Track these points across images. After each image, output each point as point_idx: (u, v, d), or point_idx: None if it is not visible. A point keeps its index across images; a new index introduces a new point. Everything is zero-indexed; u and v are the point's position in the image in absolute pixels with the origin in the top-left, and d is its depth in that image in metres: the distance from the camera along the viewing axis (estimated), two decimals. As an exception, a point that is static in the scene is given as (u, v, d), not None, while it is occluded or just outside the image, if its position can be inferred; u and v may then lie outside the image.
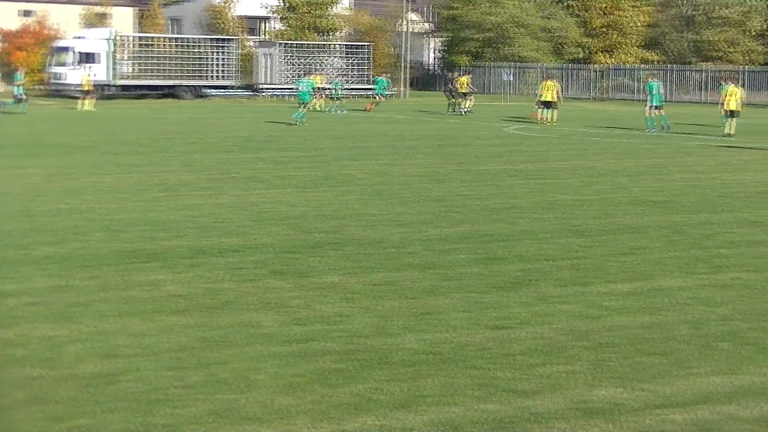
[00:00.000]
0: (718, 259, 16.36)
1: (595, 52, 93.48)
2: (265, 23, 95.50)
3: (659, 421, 9.15)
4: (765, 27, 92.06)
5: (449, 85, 65.66)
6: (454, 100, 62.67)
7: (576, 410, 9.38)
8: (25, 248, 16.48)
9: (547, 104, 52.50)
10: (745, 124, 52.33)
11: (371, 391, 9.78)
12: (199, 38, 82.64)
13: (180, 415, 9.14)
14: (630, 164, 31.62)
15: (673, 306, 13.30)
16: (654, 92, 48.26)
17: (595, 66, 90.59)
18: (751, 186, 26.03)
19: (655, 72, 71.24)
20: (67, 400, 9.47)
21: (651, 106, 48.12)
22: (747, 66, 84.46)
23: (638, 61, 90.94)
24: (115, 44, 75.52)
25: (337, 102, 62.13)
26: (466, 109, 60.55)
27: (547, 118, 51.98)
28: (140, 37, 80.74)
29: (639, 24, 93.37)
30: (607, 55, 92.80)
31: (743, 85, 75.55)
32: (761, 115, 62.96)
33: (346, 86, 72.57)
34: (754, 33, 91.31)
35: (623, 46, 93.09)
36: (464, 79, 62.21)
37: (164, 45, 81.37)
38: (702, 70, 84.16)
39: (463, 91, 61.42)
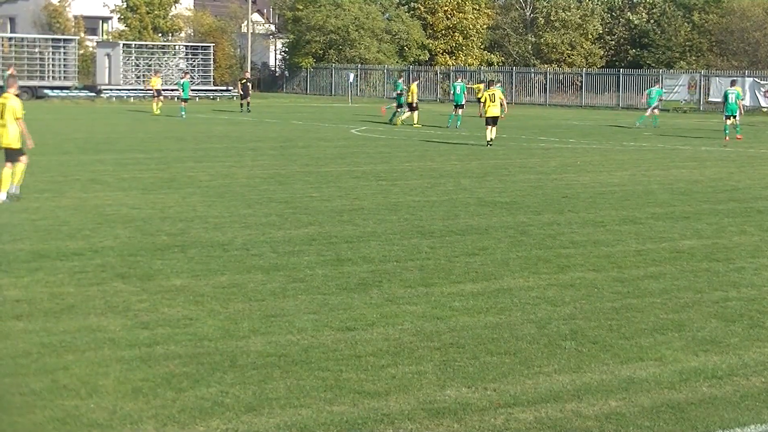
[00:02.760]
0: (562, 259, 16.59)
1: (439, 54, 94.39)
2: (105, 23, 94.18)
3: (507, 420, 9.21)
4: (603, 30, 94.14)
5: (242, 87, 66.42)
6: (244, 101, 64.05)
7: (424, 410, 9.39)
8: None
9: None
10: (583, 126, 53.44)
11: (219, 395, 9.67)
12: (36, 38, 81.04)
13: (20, 422, 8.91)
14: (474, 165, 31.93)
15: (518, 306, 13.43)
16: (458, 92, 52.44)
17: (439, 68, 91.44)
18: (592, 186, 26.48)
19: (459, 73, 73.00)
20: None
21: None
22: (586, 68, 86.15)
23: (482, 63, 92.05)
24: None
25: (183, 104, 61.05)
26: (404, 120, 54.28)
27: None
28: (-26, 36, 78.90)
29: (481, 26, 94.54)
30: (451, 57, 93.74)
31: (581, 88, 77.42)
32: (600, 117, 64.22)
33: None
34: (593, 36, 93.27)
35: (466, 48, 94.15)
36: (414, 86, 55.16)
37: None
38: (544, 72, 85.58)
39: (410, 101, 53.74)
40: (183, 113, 57.87)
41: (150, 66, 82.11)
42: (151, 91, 63.56)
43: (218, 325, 12.12)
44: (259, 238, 18.07)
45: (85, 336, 11.52)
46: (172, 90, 75.35)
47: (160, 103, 61.87)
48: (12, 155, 22.32)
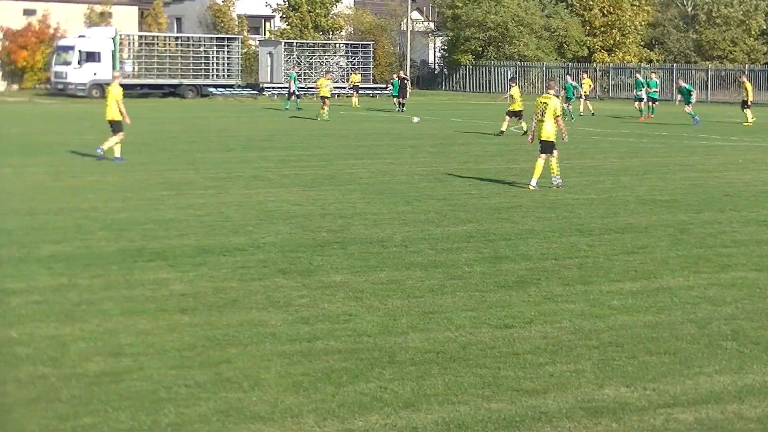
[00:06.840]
0: (723, 258, 16.33)
1: (597, 51, 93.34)
2: (267, 22, 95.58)
3: (666, 421, 9.14)
4: (767, 26, 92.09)
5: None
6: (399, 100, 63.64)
7: (582, 409, 9.37)
8: (28, 247, 16.46)
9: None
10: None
11: (377, 390, 9.77)
12: (202, 37, 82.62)
13: (186, 414, 9.13)
14: (634, 163, 31.59)
15: (678, 305, 13.28)
16: (653, 88, 56.43)
17: (598, 65, 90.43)
18: (755, 185, 25.98)
19: (656, 70, 72.34)
20: (73, 398, 9.47)
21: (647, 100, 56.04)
22: (749, 65, 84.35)
23: (641, 60, 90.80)
24: (118, 43, 75.34)
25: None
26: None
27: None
28: (143, 36, 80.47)
29: (640, 23, 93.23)
30: (609, 54, 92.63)
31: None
32: (764, 114, 62.84)
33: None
34: (756, 32, 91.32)
35: (624, 45, 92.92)
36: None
37: (167, 44, 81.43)
38: (705, 69, 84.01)
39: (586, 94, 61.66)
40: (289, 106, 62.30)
41: (311, 64, 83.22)
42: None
43: (377, 321, 12.23)
44: (418, 234, 18.17)
45: (248, 330, 11.75)
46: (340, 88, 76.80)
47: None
48: (548, 148, 24.74)
